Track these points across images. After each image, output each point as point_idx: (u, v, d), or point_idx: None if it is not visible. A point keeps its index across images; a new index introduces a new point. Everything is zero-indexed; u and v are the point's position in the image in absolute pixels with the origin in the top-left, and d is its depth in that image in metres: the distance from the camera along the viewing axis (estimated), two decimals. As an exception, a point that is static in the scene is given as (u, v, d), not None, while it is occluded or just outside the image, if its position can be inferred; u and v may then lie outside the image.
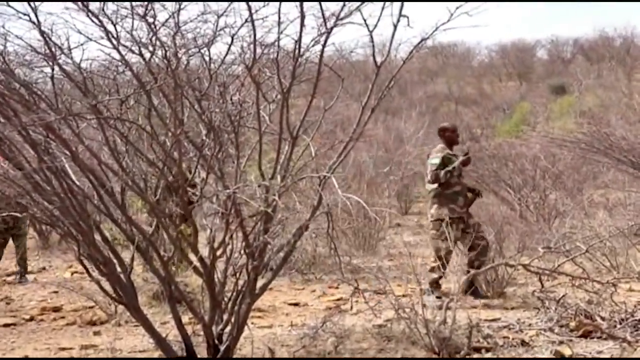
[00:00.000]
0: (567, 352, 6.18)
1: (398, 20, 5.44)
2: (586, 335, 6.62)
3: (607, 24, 48.53)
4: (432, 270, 8.77)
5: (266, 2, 5.16)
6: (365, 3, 5.35)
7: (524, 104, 36.44)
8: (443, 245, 8.68)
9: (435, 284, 8.75)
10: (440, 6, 5.41)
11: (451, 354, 6.11)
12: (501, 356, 6.18)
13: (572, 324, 6.79)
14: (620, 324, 6.76)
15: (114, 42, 4.99)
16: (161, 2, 4.95)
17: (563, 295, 7.27)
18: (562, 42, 47.68)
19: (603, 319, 6.84)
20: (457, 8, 5.33)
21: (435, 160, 8.89)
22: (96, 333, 7.49)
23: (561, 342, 6.45)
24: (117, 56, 5.11)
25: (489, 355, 6.22)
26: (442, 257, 8.68)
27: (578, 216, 13.01)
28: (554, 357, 6.03)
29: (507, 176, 16.42)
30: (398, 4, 5.37)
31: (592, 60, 44.66)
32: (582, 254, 7.98)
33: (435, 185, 8.94)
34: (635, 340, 6.46)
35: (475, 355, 6.18)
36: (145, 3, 4.88)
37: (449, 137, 9.19)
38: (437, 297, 8.44)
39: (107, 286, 5.83)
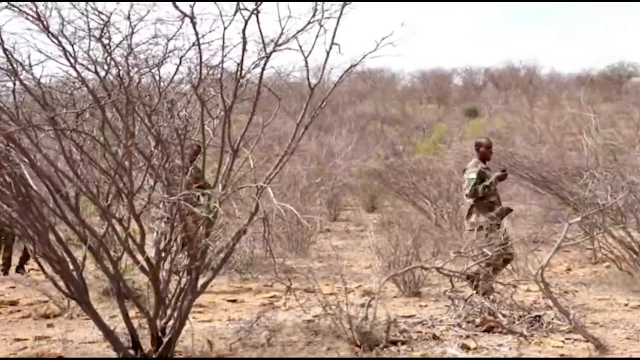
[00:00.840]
0: (472, 345, 6.27)
1: (330, 48, 5.50)
2: (489, 330, 6.73)
3: (514, 57, 49.44)
4: (485, 278, 7.86)
5: (212, 28, 5.15)
6: (302, 31, 5.39)
7: (441, 124, 36.89)
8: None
9: (490, 289, 7.85)
10: (369, 36, 5.47)
11: (371, 347, 6.14)
12: (414, 349, 6.23)
13: (478, 320, 6.89)
14: (519, 320, 6.89)
15: (72, 60, 4.94)
16: (116, 26, 4.89)
17: (470, 295, 7.37)
18: (475, 71, 48.38)
19: (504, 315, 6.95)
20: (383, 39, 5.40)
21: (472, 175, 8.54)
22: (50, 325, 7.35)
23: (467, 336, 6.54)
24: (74, 73, 5.05)
25: (404, 347, 6.27)
26: (492, 262, 8.04)
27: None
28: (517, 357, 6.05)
29: (425, 188, 16.58)
30: (331, 33, 5.43)
31: (501, 88, 45.40)
32: (488, 259, 8.10)
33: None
34: (531, 334, 6.60)
35: (393, 348, 6.22)
36: (102, 25, 4.82)
37: (483, 152, 8.85)
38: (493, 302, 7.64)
39: (60, 283, 5.72)
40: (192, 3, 4.93)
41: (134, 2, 4.83)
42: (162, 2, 4.90)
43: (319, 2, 5.31)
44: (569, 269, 11.30)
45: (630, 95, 33.72)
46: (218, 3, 5.03)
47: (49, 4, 4.74)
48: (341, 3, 5.33)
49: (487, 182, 8.52)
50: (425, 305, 8.31)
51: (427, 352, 6.12)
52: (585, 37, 66.63)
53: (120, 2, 4.79)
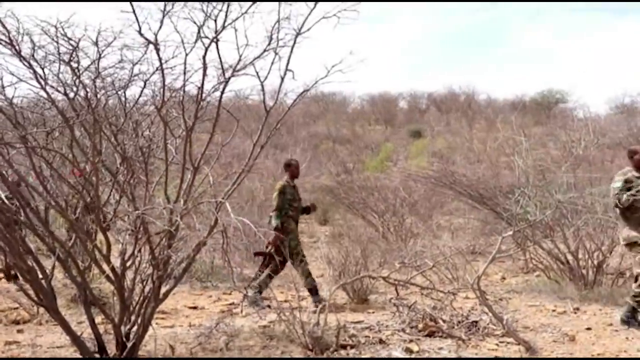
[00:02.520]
0: (415, 348, 6.32)
1: (285, 74, 5.54)
2: (431, 334, 6.78)
3: (454, 82, 50.11)
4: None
5: (175, 54, 5.15)
6: (258, 58, 5.42)
7: (388, 144, 37.12)
8: None
9: None
10: (322, 62, 5.53)
11: (322, 350, 6.15)
12: (362, 352, 6.25)
13: (420, 326, 6.94)
14: (458, 325, 6.96)
15: (42, 82, 4.90)
16: (84, 51, 4.86)
17: (414, 302, 7.42)
18: (419, 95, 48.74)
19: (444, 321, 7.01)
20: (333, 66, 5.46)
21: (617, 184, 7.35)
22: (19, 331, 7.19)
23: (411, 340, 6.58)
24: (45, 95, 5.01)
25: (353, 351, 6.28)
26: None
27: (428, 237, 13.31)
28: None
29: (373, 203, 16.65)
30: (285, 60, 5.47)
31: (442, 111, 45.80)
32: (430, 269, 8.19)
33: (620, 209, 7.36)
34: (469, 338, 6.67)
35: (342, 351, 6.23)
36: (71, 50, 4.79)
37: (638, 160, 7.44)
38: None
39: (30, 291, 5.63)
40: (155, 31, 4.93)
41: (102, 30, 4.81)
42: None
43: (274, 32, 5.36)
44: (503, 278, 11.46)
45: (558, 120, 34.33)
46: (180, 31, 5.05)
47: (21, 29, 4.70)
48: (294, 33, 5.39)
49: (633, 191, 7.24)
50: (373, 312, 8.35)
51: (374, 355, 6.15)
52: (518, 67, 67.85)
53: (88, 30, 4.77)
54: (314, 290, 8.65)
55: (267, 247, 8.76)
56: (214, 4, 5.12)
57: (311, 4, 5.29)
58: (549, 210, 9.17)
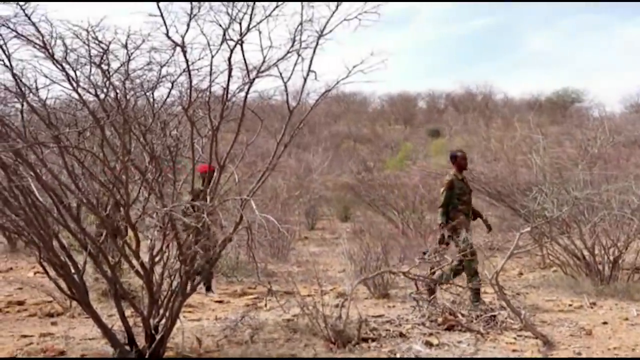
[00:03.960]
0: (435, 341, 6.28)
1: (307, 74, 5.52)
2: (450, 328, 6.74)
3: (471, 83, 49.79)
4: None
5: (201, 57, 5.15)
6: (282, 60, 5.41)
7: (407, 143, 37.00)
8: None
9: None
10: (343, 63, 5.51)
11: (344, 343, 6.12)
12: (383, 345, 6.22)
13: (440, 319, 6.90)
14: (476, 319, 6.91)
15: (74, 84, 4.92)
16: (114, 54, 4.88)
17: (433, 297, 7.38)
18: (437, 95, 48.64)
19: (463, 315, 6.97)
20: (354, 67, 5.43)
21: None
22: (53, 323, 7.27)
23: (431, 334, 6.55)
24: (77, 96, 5.03)
25: (374, 344, 6.26)
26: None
27: (447, 233, 13.21)
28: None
29: (393, 201, 16.62)
30: (307, 61, 5.45)
31: (460, 111, 45.60)
32: (449, 264, 8.12)
33: None
34: (487, 332, 6.62)
35: (364, 344, 6.21)
36: (102, 53, 4.81)
37: None
38: None
39: (63, 285, 5.67)
40: (182, 33, 4.93)
41: (131, 33, 4.82)
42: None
43: (297, 34, 5.35)
44: (521, 273, 11.37)
45: (574, 119, 34.04)
46: (206, 34, 5.05)
47: (54, 33, 4.72)
48: (316, 35, 5.37)
49: None
50: (393, 306, 8.32)
51: (395, 348, 6.12)
52: (535, 66, 67.35)
53: (118, 33, 4.78)
54: (476, 293, 7.81)
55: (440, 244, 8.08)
56: (239, 6, 5.11)
57: (333, 5, 5.27)
58: (565, 207, 9.07)
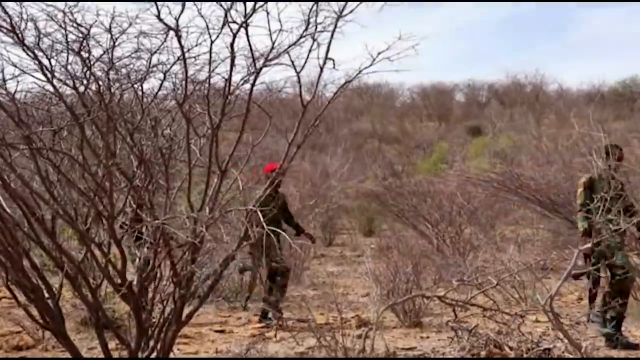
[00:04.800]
0: (477, 379, 6.23)
1: (324, 63, 5.51)
2: (495, 364, 6.69)
3: (519, 71, 49.55)
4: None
5: (199, 42, 5.16)
6: (294, 45, 5.40)
7: (442, 143, 36.98)
8: None
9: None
10: (366, 50, 5.49)
11: (368, 381, 6.10)
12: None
13: (483, 353, 6.85)
14: (527, 353, 6.83)
15: (49, 75, 4.93)
16: (96, 39, 4.89)
17: (475, 326, 7.33)
18: (478, 87, 48.61)
19: (511, 348, 6.91)
20: (379, 53, 5.41)
21: None
22: (22, 358, 7.28)
23: (472, 371, 6.50)
24: (51, 89, 5.05)
25: (404, 382, 6.23)
26: None
27: (490, 250, 13.17)
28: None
29: (426, 211, 16.55)
30: (324, 47, 5.44)
31: (505, 105, 45.56)
32: (493, 287, 8.07)
33: None
34: (540, 369, 6.56)
35: (392, 383, 6.18)
36: (81, 38, 4.82)
37: None
38: None
39: (35, 312, 5.68)
40: (176, 15, 4.93)
41: (116, 15, 4.83)
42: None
43: (311, 16, 5.34)
44: (580, 298, 11.26)
45: (643, 113, 33.92)
46: (205, 15, 5.05)
47: (24, 15, 4.74)
48: (334, 16, 5.35)
49: None
50: (427, 337, 8.27)
51: (429, 387, 6.09)
52: (595, 51, 67.07)
53: (100, 15, 4.79)
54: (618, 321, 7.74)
55: (585, 261, 7.86)
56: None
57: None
58: (635, 219, 8.97)
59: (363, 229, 20.95)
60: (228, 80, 5.36)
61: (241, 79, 5.50)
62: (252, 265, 8.65)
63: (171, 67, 5.32)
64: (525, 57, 68.95)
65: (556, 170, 16.08)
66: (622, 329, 8.08)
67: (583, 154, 12.74)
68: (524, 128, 37.03)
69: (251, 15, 5.17)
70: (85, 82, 5.02)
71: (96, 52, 5.00)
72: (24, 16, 4.76)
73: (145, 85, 5.49)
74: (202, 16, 5.05)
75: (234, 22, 5.15)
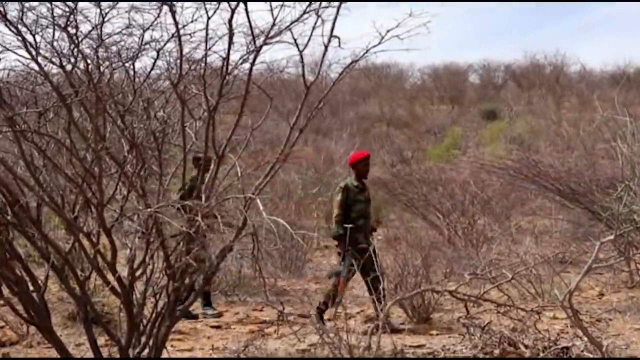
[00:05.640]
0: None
1: (329, 41, 5.48)
2: (510, 363, 6.69)
3: (538, 51, 49.34)
4: None
5: (194, 18, 5.14)
6: (296, 22, 5.38)
7: (455, 128, 36.92)
8: None
9: None
10: (373, 28, 5.46)
11: (374, 381, 6.11)
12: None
13: (496, 352, 6.86)
14: (543, 352, 6.84)
15: (33, 52, 4.92)
16: (84, 14, 4.88)
17: (488, 323, 7.33)
18: (494, 68, 48.35)
19: (527, 347, 6.91)
20: (388, 31, 5.39)
21: None
22: (5, 355, 7.30)
23: (485, 371, 6.51)
24: (36, 67, 5.04)
25: (412, 382, 6.24)
26: None
27: (505, 242, 13.17)
28: None
29: (437, 200, 16.55)
30: (329, 24, 5.41)
31: (523, 87, 45.38)
32: (508, 281, 8.07)
33: None
34: (558, 369, 6.56)
35: (399, 383, 6.20)
36: (68, 13, 4.81)
37: None
38: None
39: (19, 306, 5.69)
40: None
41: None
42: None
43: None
44: (602, 294, 11.27)
45: (673, 96, 33.78)
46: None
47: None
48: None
49: None
50: (437, 334, 8.29)
51: (438, 388, 6.10)
52: (621, 30, 66.82)
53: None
54: None
55: None
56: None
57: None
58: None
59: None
60: (226, 59, 5.34)
61: (240, 58, 5.48)
62: (344, 268, 8.54)
63: (165, 44, 5.32)
64: (545, 36, 68.65)
65: (577, 157, 16.07)
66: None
67: (606, 140, 12.75)
68: (542, 112, 36.96)
69: (251, -11, 5.15)
70: (72, 60, 5.02)
71: (84, 28, 5.00)
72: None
73: (137, 64, 5.48)
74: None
75: (233, -4, 5.14)
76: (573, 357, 6.77)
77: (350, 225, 8.47)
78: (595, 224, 11.71)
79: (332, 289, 8.34)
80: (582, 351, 6.85)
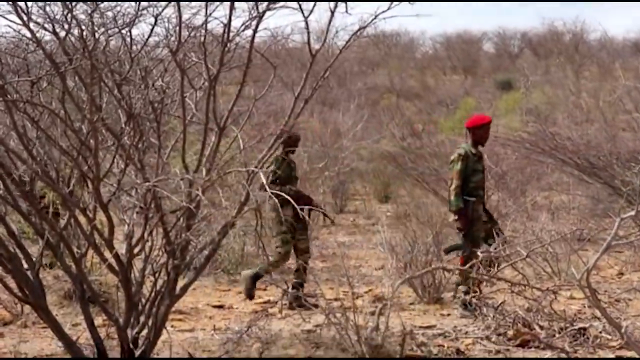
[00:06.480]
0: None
1: (335, 6, 5.46)
2: (524, 344, 6.72)
3: (556, 18, 49.13)
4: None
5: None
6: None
7: (468, 99, 36.76)
8: None
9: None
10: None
11: (383, 363, 6.14)
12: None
13: (510, 333, 6.88)
14: (559, 333, 6.86)
15: (24, 17, 4.89)
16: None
17: (501, 302, 7.36)
18: (510, 35, 48.24)
19: (542, 327, 6.93)
20: (398, -4, 5.37)
21: None
22: (-1, 335, 7.35)
23: (498, 352, 6.53)
24: (28, 33, 5.02)
25: (422, 364, 6.28)
26: None
27: (520, 219, 13.15)
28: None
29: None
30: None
31: (540, 56, 45.21)
32: (523, 259, 8.07)
33: None
34: (574, 350, 6.57)
35: (408, 365, 6.23)
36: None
37: None
38: None
39: (12, 284, 5.72)
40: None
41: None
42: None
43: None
44: (621, 273, 11.27)
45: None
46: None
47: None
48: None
49: None
50: (448, 314, 8.31)
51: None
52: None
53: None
54: None
55: None
56: None
57: None
58: None
59: (378, 195, 20.93)
60: (227, 25, 5.32)
61: (242, 25, 5.46)
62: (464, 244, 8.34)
63: (163, 10, 5.29)
64: (564, 2, 68.34)
65: (597, 130, 16.02)
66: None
67: (628, 111, 12.72)
68: (560, 82, 36.75)
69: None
70: (66, 26, 5.00)
71: (79, -8, 4.98)
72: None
73: (134, 31, 5.46)
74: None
75: (234, -41, 5.12)
76: (590, 338, 6.80)
77: (472, 199, 8.34)
78: (615, 200, 11.71)
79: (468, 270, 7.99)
80: (600, 332, 6.88)
